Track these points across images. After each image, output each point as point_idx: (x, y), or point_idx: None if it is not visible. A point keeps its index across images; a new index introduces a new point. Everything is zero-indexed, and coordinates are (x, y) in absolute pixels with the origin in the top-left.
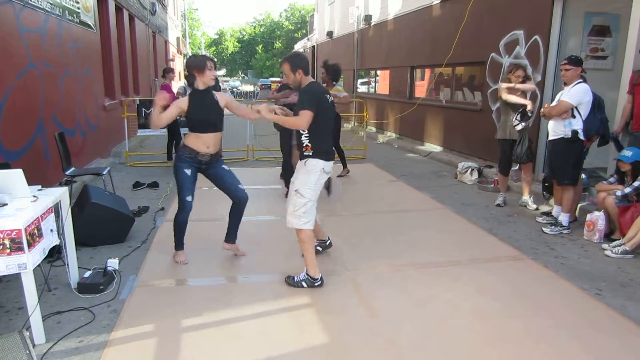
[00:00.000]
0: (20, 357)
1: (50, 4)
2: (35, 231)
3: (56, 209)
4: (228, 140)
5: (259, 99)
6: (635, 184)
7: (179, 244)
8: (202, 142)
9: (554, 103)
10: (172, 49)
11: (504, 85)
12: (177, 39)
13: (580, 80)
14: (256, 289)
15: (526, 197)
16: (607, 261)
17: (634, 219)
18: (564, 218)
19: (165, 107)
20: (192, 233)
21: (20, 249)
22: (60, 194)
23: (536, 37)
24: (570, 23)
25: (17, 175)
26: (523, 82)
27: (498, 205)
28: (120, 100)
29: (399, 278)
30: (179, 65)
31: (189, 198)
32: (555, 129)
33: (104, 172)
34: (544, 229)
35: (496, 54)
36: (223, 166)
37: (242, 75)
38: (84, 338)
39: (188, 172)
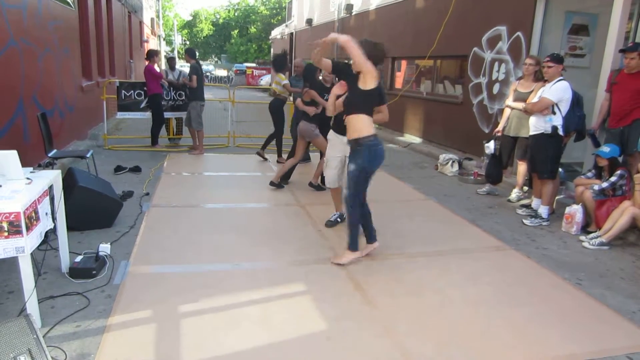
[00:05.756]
0: (27, 341)
1: None
2: (33, 214)
3: None
4: (208, 127)
5: (236, 85)
6: (612, 179)
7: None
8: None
9: (535, 99)
10: (147, 30)
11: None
12: (152, 19)
13: (561, 77)
14: (250, 276)
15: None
16: (585, 252)
17: (609, 213)
18: (543, 210)
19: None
20: (178, 219)
21: (18, 232)
22: (54, 177)
23: (519, 33)
24: (551, 21)
25: (11, 156)
26: (535, 74)
27: (482, 193)
28: (97, 81)
29: (390, 267)
30: (152, 46)
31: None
32: (536, 125)
33: (88, 155)
34: (524, 220)
35: (478, 48)
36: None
37: (216, 59)
38: (80, 323)
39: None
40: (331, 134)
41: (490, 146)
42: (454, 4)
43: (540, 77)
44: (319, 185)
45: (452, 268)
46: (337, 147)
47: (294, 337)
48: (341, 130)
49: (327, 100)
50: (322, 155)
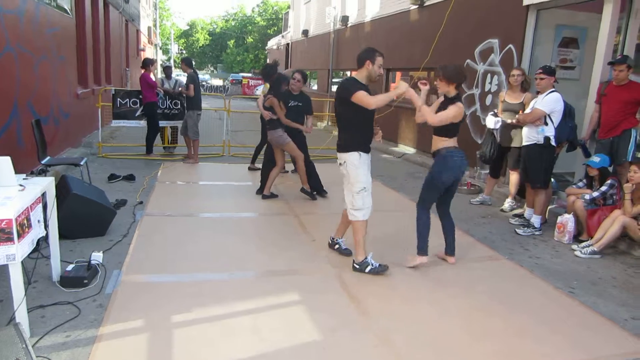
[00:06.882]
0: (16, 350)
1: None
2: (25, 221)
3: None
4: (203, 136)
5: (232, 95)
6: (603, 188)
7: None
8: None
9: (527, 110)
10: (143, 39)
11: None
12: (149, 28)
13: (553, 89)
14: (243, 286)
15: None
16: (577, 261)
17: (601, 222)
18: (536, 220)
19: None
20: (172, 228)
21: (9, 239)
22: (47, 184)
23: (510, 46)
24: (542, 34)
25: (4, 163)
26: (522, 84)
27: (476, 203)
28: (93, 89)
29: (384, 276)
30: (149, 55)
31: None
32: (528, 135)
33: (82, 163)
34: (517, 230)
35: (471, 60)
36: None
37: (212, 69)
38: (70, 333)
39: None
40: (363, 156)
41: (491, 120)
42: (448, 17)
43: (526, 88)
44: (311, 192)
45: (446, 277)
46: (368, 168)
47: (289, 347)
48: (368, 148)
49: (292, 107)
50: (294, 160)
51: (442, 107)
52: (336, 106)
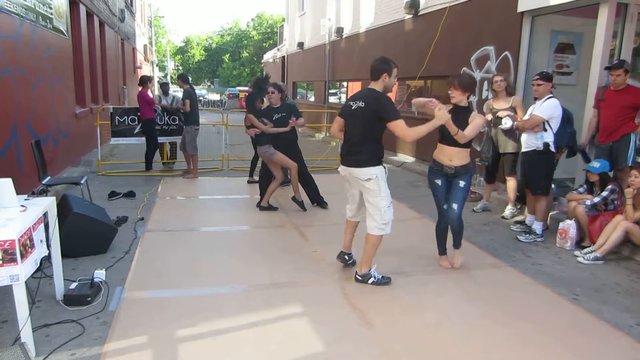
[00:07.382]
0: None
1: (25, 9)
2: (28, 242)
3: None
4: (202, 150)
5: (229, 109)
6: (603, 194)
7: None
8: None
9: (526, 117)
10: (140, 56)
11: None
12: (145, 46)
13: (551, 95)
14: (247, 299)
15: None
16: (580, 267)
17: (603, 227)
18: (537, 226)
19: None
20: (173, 244)
21: (13, 260)
22: (48, 204)
23: (506, 52)
24: (538, 40)
25: (5, 185)
26: (506, 89)
27: (478, 210)
28: (91, 107)
29: (387, 287)
30: (146, 72)
31: (445, 206)
32: (527, 142)
33: (82, 181)
34: (518, 237)
35: (467, 68)
36: (460, 181)
37: (209, 84)
38: (76, 351)
39: (438, 182)
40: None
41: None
42: (442, 25)
43: (511, 92)
44: (302, 202)
45: (449, 286)
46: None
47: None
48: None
49: (277, 119)
50: (285, 169)
51: (456, 116)
52: (365, 120)
